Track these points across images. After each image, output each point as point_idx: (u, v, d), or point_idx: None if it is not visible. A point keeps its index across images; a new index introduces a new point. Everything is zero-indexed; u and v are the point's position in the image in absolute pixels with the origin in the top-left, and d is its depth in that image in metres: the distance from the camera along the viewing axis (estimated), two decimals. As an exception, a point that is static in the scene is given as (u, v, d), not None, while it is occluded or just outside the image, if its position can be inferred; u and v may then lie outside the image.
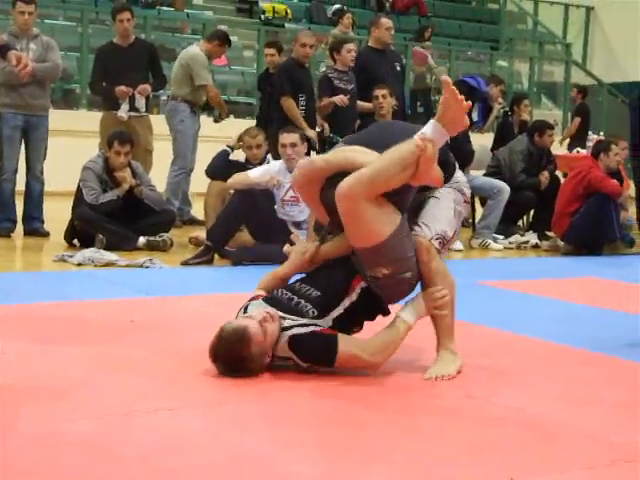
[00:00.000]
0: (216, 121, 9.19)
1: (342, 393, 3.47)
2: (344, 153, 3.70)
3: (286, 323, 3.64)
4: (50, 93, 8.12)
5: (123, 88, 8.14)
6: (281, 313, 3.66)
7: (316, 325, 3.63)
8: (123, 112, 8.21)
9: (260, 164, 7.36)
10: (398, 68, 9.30)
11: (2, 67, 7.32)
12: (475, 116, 9.51)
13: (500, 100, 10.25)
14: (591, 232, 8.25)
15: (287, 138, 6.93)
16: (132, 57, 8.35)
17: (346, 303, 3.71)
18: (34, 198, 7.87)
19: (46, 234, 7.84)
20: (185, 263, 6.73)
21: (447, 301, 3.71)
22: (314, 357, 3.63)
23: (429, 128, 3.58)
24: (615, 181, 8.41)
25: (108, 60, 8.38)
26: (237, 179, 7.00)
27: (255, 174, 6.99)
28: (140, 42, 8.89)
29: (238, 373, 3.55)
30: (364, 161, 3.52)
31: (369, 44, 9.27)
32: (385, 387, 3.60)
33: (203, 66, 8.70)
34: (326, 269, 3.84)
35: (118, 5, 9.32)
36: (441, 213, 3.83)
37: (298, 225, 6.92)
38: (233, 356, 3.53)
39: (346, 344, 3.61)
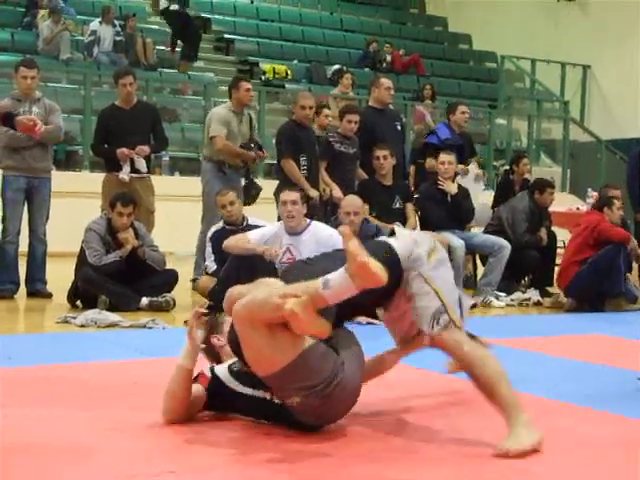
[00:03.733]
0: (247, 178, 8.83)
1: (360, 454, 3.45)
2: (261, 286, 3.58)
3: None
4: (52, 155, 8.18)
5: (124, 150, 8.19)
6: None
7: None
8: (124, 174, 8.25)
9: (240, 224, 7.40)
10: (398, 127, 9.37)
11: (5, 131, 7.41)
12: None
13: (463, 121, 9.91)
14: (597, 283, 8.21)
15: (288, 195, 6.97)
16: (134, 119, 8.41)
17: None
18: (37, 259, 7.90)
19: (48, 295, 7.85)
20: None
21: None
22: None
23: (335, 277, 3.31)
24: (622, 229, 8.44)
25: (110, 122, 8.43)
26: (236, 243, 7.00)
27: (254, 237, 7.01)
28: (142, 104, 8.95)
29: None
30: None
31: (370, 104, 9.35)
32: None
33: (218, 120, 8.64)
34: None
35: (121, 69, 9.39)
36: (422, 300, 3.61)
37: None
38: None
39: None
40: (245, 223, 7.64)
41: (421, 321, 3.60)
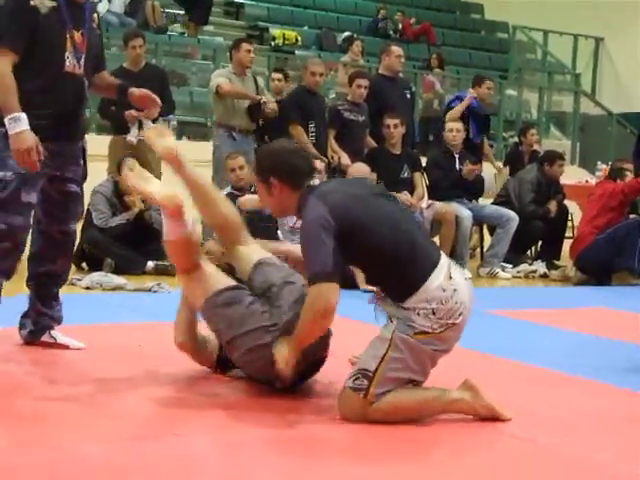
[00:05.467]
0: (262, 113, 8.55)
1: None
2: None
3: None
4: None
5: (132, 112, 8.12)
6: None
7: None
8: (132, 136, 8.19)
9: (248, 189, 7.40)
10: (408, 96, 9.32)
11: None
12: (472, 134, 9.50)
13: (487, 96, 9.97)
14: (611, 254, 8.18)
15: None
16: (142, 82, 8.25)
17: None
18: None
19: None
20: None
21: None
22: None
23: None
24: None
25: None
26: (249, 200, 7.01)
27: None
28: (151, 67, 8.89)
29: None
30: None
31: (380, 71, 9.28)
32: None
33: (219, 75, 8.65)
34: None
35: (130, 31, 9.34)
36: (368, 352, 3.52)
37: None
38: None
39: None
40: (253, 189, 7.61)
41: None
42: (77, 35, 4.18)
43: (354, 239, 3.42)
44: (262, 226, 6.33)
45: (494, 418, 3.50)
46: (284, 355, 3.51)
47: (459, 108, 9.43)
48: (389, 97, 8.87)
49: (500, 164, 10.67)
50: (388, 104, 8.74)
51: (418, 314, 3.40)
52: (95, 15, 4.42)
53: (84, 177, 4.50)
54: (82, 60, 4.22)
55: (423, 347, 3.41)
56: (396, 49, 9.22)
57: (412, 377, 3.46)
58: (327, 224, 3.38)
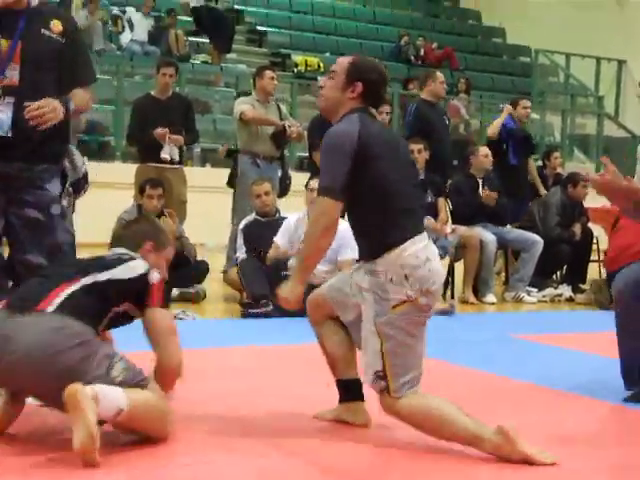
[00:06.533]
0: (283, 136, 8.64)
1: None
2: None
3: None
4: (77, 145, 8.12)
5: (160, 130, 8.15)
6: None
7: None
8: (166, 153, 8.21)
9: (273, 215, 7.42)
10: (446, 121, 9.37)
11: None
12: (510, 158, 9.52)
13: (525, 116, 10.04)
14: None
15: (313, 184, 7.01)
16: (169, 110, 8.40)
17: None
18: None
19: None
20: (245, 314, 6.82)
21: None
22: None
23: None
24: None
25: (146, 112, 8.42)
26: (272, 255, 7.16)
27: (281, 241, 7.14)
28: (177, 96, 8.94)
29: None
30: None
31: (422, 97, 9.18)
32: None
33: (242, 102, 8.71)
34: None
35: (165, 60, 9.39)
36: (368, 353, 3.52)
37: None
38: None
39: None
40: (278, 215, 7.64)
41: (365, 373, 3.55)
42: (3, 44, 3.86)
43: (366, 166, 3.48)
44: (284, 275, 6.35)
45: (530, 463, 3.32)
46: (288, 289, 3.54)
47: (499, 120, 9.51)
48: (434, 122, 8.88)
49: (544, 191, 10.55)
50: (434, 129, 8.78)
51: (391, 280, 3.42)
52: (55, 22, 3.95)
53: (71, 204, 4.31)
54: (15, 71, 3.85)
55: (406, 319, 3.42)
56: (440, 75, 9.24)
57: (415, 348, 3.48)
58: (351, 144, 3.48)
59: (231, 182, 8.99)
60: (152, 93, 8.60)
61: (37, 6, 4.00)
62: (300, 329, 4.30)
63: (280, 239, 7.17)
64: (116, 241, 3.92)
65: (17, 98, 3.84)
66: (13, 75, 3.84)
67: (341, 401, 3.84)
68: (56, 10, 4.47)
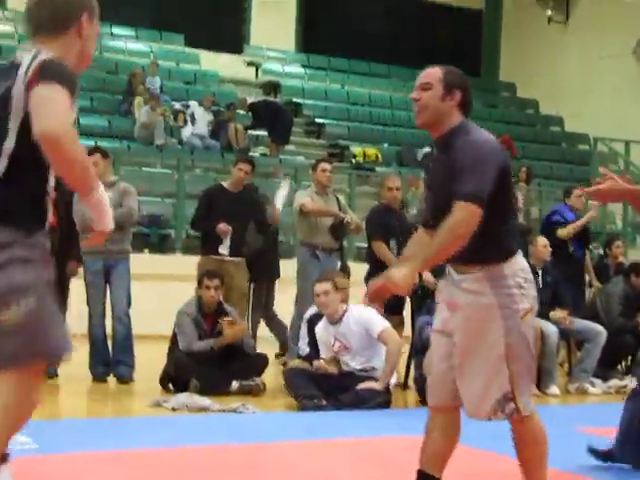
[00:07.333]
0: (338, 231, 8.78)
1: None
2: None
3: None
4: (130, 237, 8.13)
5: (222, 226, 8.22)
6: None
7: None
8: (224, 249, 8.31)
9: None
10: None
11: (81, 215, 7.35)
12: (571, 248, 9.45)
13: (593, 213, 9.95)
14: None
15: (320, 287, 7.04)
16: (238, 203, 8.46)
17: None
18: (118, 341, 7.87)
19: (128, 380, 7.83)
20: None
21: None
22: None
23: None
24: None
25: (215, 202, 8.48)
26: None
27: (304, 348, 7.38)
28: (248, 189, 8.91)
29: None
30: None
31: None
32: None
33: (301, 195, 8.83)
34: None
35: (243, 156, 9.53)
36: (482, 372, 3.52)
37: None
38: None
39: None
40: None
41: (482, 401, 3.53)
42: None
43: (504, 177, 3.54)
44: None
45: None
46: (402, 273, 3.43)
47: (577, 224, 9.37)
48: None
49: (597, 282, 10.46)
50: None
51: (519, 285, 3.52)
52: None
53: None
54: None
55: (529, 332, 3.55)
56: None
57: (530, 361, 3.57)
58: (499, 154, 3.57)
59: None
60: (224, 184, 8.67)
61: None
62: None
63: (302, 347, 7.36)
64: None
65: None
66: None
67: None
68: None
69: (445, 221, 3.40)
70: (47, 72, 2.94)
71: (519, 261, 3.56)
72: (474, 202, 3.39)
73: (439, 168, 3.70)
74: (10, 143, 2.97)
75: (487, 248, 3.53)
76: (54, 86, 2.91)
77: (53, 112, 2.87)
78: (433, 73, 3.69)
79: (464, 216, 3.40)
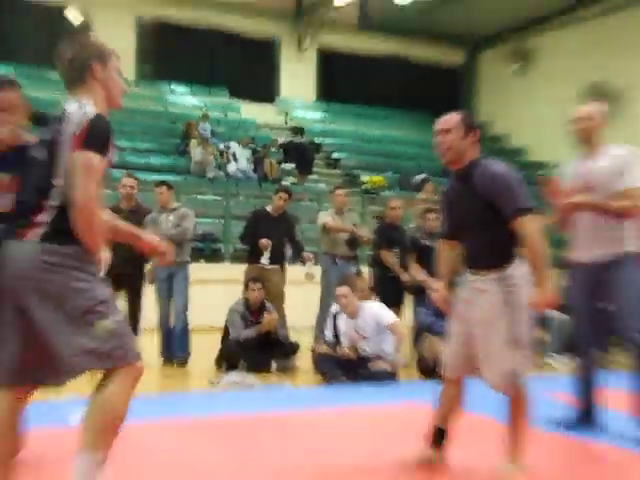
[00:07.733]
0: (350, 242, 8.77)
1: None
2: None
3: None
4: (189, 250, 8.10)
5: (264, 241, 8.26)
6: None
7: None
8: (265, 260, 8.36)
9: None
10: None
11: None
12: None
13: None
14: None
15: (340, 290, 7.01)
16: (277, 225, 8.54)
17: None
18: (176, 334, 7.90)
19: (184, 363, 7.85)
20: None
21: None
22: None
23: None
24: None
25: (259, 222, 8.52)
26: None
27: (330, 337, 7.23)
28: (287, 214, 8.83)
29: None
30: None
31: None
32: None
33: (324, 215, 8.87)
34: None
35: (283, 187, 9.51)
36: (497, 354, 3.55)
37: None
38: None
39: None
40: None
41: (501, 378, 3.56)
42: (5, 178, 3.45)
43: None
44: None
45: None
46: (544, 294, 3.48)
47: None
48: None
49: None
50: None
51: (523, 283, 3.52)
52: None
53: None
54: (9, 199, 3.12)
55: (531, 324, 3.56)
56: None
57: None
58: (516, 175, 3.57)
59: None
60: (267, 208, 8.67)
61: None
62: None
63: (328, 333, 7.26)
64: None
65: None
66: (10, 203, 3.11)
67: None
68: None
69: (524, 240, 3.48)
70: (90, 139, 2.81)
71: (521, 264, 3.56)
72: (529, 212, 3.49)
73: (459, 194, 3.71)
74: (60, 181, 2.86)
75: (496, 255, 3.58)
76: (93, 155, 2.80)
77: (87, 189, 2.78)
78: (452, 119, 3.65)
79: (535, 226, 3.48)
